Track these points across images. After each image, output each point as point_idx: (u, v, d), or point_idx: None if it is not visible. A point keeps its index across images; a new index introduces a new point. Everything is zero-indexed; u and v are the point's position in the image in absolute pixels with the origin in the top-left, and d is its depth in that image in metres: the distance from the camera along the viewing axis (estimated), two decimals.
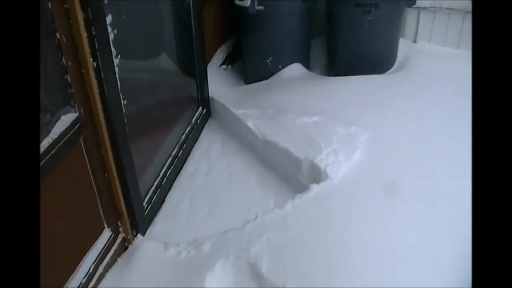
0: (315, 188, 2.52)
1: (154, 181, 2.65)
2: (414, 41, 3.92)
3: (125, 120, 2.08)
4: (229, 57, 3.75)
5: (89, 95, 1.84)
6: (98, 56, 1.77)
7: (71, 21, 1.65)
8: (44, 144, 1.61)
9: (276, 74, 3.53)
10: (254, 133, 2.91)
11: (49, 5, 1.51)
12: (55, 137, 1.66)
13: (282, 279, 2.10)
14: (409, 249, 2.16)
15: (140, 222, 2.42)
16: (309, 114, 2.97)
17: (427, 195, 2.42)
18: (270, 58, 3.47)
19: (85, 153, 1.93)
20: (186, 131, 3.01)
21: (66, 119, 1.72)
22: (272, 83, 3.48)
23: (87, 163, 1.97)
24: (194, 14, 2.75)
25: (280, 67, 3.53)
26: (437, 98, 3.20)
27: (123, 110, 2.05)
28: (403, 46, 3.81)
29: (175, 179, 2.86)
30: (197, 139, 3.18)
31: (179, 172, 2.92)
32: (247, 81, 3.63)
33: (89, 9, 1.65)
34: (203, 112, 3.24)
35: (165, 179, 2.70)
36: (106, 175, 2.12)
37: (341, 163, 2.62)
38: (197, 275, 2.23)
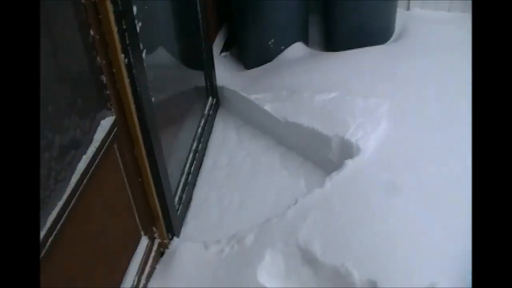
0: (350, 163, 2.43)
1: (181, 178, 2.51)
2: (408, 9, 3.87)
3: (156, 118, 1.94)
4: (226, 43, 3.59)
5: (121, 94, 1.68)
6: (129, 52, 1.61)
7: (100, 16, 1.48)
8: (89, 154, 1.46)
9: (278, 55, 3.40)
10: (274, 116, 2.79)
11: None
12: (97, 145, 1.51)
13: (338, 259, 2.02)
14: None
15: (174, 224, 2.29)
16: (325, 91, 2.88)
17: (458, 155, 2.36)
18: (272, 40, 3.34)
19: (119, 158, 1.77)
20: (201, 124, 2.87)
21: (105, 124, 1.57)
22: (277, 65, 3.35)
23: (122, 168, 1.82)
24: (199, 1, 2.59)
25: (282, 47, 3.40)
26: (441, 62, 3.16)
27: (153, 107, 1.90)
28: (398, 15, 3.74)
29: (197, 174, 2.72)
30: (211, 130, 3.04)
31: (200, 166, 2.78)
32: (248, 66, 3.48)
33: (118, 1, 1.49)
34: (214, 102, 3.10)
35: (190, 175, 2.56)
36: (140, 179, 1.97)
37: (370, 135, 2.55)
38: (247, 269, 2.12)
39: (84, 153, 1.44)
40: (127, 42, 1.59)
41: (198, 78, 2.96)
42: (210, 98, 3.10)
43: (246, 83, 3.21)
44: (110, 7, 1.48)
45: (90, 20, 1.41)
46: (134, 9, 1.65)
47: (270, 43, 3.35)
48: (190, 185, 2.55)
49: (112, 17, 1.50)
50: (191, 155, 2.64)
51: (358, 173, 2.41)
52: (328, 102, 2.80)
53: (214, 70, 3.06)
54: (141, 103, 1.75)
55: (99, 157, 1.51)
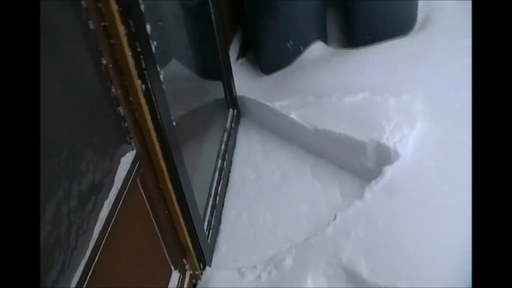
0: (390, 171, 2.24)
1: (208, 201, 2.33)
2: None
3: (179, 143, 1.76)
4: (242, 49, 3.40)
5: (141, 125, 1.51)
6: (147, 77, 1.44)
7: (112, 40, 1.31)
8: (111, 198, 1.29)
9: (298, 57, 3.20)
10: (302, 125, 2.60)
11: (91, 24, 1.17)
12: (119, 185, 1.34)
13: (389, 279, 1.83)
14: None
15: (205, 253, 2.12)
16: (353, 92, 2.67)
17: None
18: (291, 41, 3.13)
19: (142, 192, 1.60)
20: (224, 139, 2.69)
21: (126, 161, 1.40)
22: (297, 67, 3.15)
23: (147, 204, 1.65)
24: (213, 7, 2.40)
25: (301, 48, 3.19)
26: (468, 55, 2.91)
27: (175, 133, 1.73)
28: (420, 4, 3.50)
29: (225, 194, 2.54)
30: (235, 144, 2.86)
31: (227, 185, 2.60)
32: (266, 71, 3.28)
33: (131, 22, 1.32)
34: (235, 114, 2.91)
35: (217, 197, 2.38)
36: (166, 211, 1.80)
37: (407, 138, 2.34)
38: None
39: (106, 197, 1.28)
40: (143, 66, 1.42)
41: (217, 90, 2.79)
42: (231, 110, 2.92)
43: (267, 90, 3.02)
44: (122, 29, 1.31)
45: (101, 47, 1.24)
46: (148, 28, 1.48)
47: (288, 45, 3.15)
48: (218, 207, 2.38)
49: (125, 40, 1.33)
50: (216, 174, 2.46)
51: (399, 180, 2.21)
52: (358, 104, 2.60)
53: (233, 80, 2.88)
54: (163, 131, 1.57)
55: (122, 199, 1.35)
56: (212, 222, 2.25)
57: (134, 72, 1.40)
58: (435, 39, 3.13)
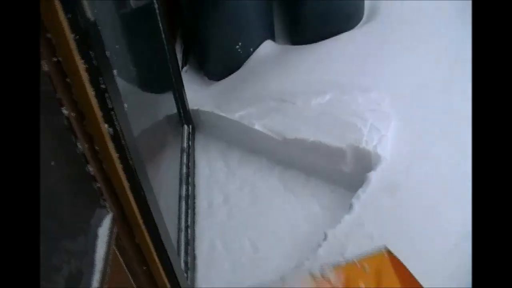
0: (374, 176, 2.07)
1: (179, 237, 2.03)
2: None
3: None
4: (184, 56, 3.07)
5: (112, 178, 1.18)
6: (114, 118, 1.12)
7: (68, 79, 0.98)
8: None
9: (248, 59, 2.93)
10: (268, 135, 2.36)
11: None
12: (101, 267, 1.02)
13: None
14: None
15: None
16: (317, 93, 2.47)
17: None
18: (240, 43, 2.86)
19: (119, 256, 1.28)
20: (184, 161, 2.37)
21: (103, 231, 1.07)
22: (248, 71, 2.88)
23: (123, 264, 1.33)
24: (159, 11, 2.06)
25: (251, 50, 2.93)
26: (422, 41, 2.84)
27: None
28: None
29: (194, 224, 2.25)
30: (194, 164, 2.55)
31: (194, 214, 2.30)
32: (214, 77, 2.99)
33: (91, 53, 0.99)
34: (190, 130, 2.60)
35: (188, 229, 2.09)
36: (145, 267, 1.49)
37: (387, 137, 2.19)
38: None
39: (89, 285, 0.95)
40: (110, 106, 1.09)
41: (168, 105, 2.46)
42: (186, 126, 2.59)
43: (220, 98, 2.74)
44: (80, 63, 0.98)
45: (58, 91, 0.90)
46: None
47: (237, 47, 2.87)
48: (191, 242, 2.08)
49: (85, 76, 1.00)
50: (183, 203, 2.16)
51: (386, 186, 2.05)
52: (325, 105, 2.40)
53: (185, 92, 2.55)
54: (137, 180, 1.26)
55: (106, 280, 1.03)
56: (189, 261, 1.96)
57: (99, 114, 1.08)
58: (384, 30, 3.01)
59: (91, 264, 0.99)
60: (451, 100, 2.38)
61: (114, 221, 1.14)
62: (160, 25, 2.12)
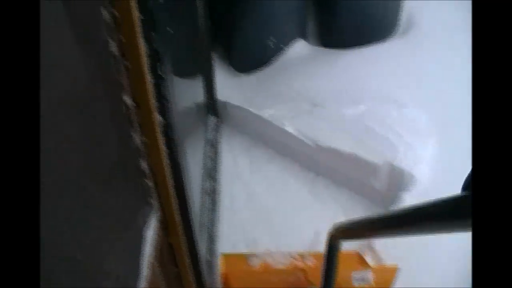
0: (408, 198, 1.94)
1: (202, 235, 1.91)
2: None
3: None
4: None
5: (156, 172, 1.06)
6: (166, 108, 1.01)
7: (128, 63, 0.86)
8: None
9: (279, 56, 2.80)
10: (299, 139, 2.23)
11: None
12: (145, 271, 0.91)
13: None
14: None
15: None
16: (351, 102, 2.34)
17: None
18: (271, 38, 2.72)
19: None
20: (209, 153, 2.25)
21: (149, 232, 0.96)
22: (279, 68, 2.75)
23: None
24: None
25: (283, 46, 2.80)
26: (462, 57, 2.70)
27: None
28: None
29: (218, 221, 2.13)
30: (219, 158, 2.43)
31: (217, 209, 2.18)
32: (241, 69, 2.85)
33: (153, 35, 0.88)
34: (216, 122, 2.47)
35: (213, 227, 1.97)
36: (174, 267, 1.38)
37: (422, 159, 2.06)
38: None
39: None
40: (164, 95, 0.98)
41: (196, 92, 2.32)
42: (212, 117, 2.47)
43: (250, 93, 2.60)
44: (142, 47, 0.87)
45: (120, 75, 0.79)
46: None
47: (269, 42, 2.74)
48: (213, 240, 1.96)
49: (145, 62, 0.89)
50: (207, 199, 2.03)
51: None
52: (359, 116, 2.27)
53: (215, 82, 2.42)
54: (182, 180, 1.15)
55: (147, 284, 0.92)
56: (211, 261, 1.84)
57: (153, 104, 0.96)
58: (422, 43, 2.87)
59: (137, 269, 0.88)
60: None
61: (159, 221, 1.02)
62: (198, 8, 1.97)
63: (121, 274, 0.78)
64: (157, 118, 0.99)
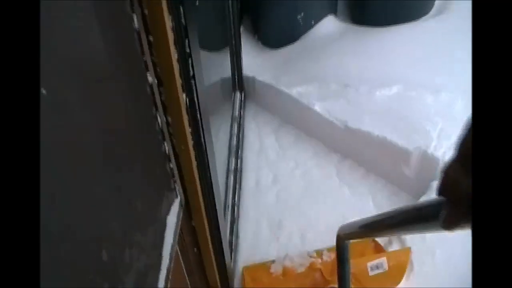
0: None
1: (225, 215, 1.86)
2: None
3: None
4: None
5: (181, 155, 1.00)
6: (194, 87, 0.93)
7: (151, 37, 0.79)
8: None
9: (308, 32, 2.68)
10: (328, 120, 2.14)
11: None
12: (167, 262, 0.86)
13: None
14: None
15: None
16: (383, 84, 2.23)
17: None
18: (302, 14, 2.60)
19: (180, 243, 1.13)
20: (235, 130, 2.17)
21: (172, 219, 0.91)
22: (308, 45, 2.63)
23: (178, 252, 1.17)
24: None
25: (312, 22, 2.68)
26: None
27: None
28: None
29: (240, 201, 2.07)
30: (244, 136, 2.36)
31: (240, 189, 2.12)
32: (269, 44, 2.74)
33: (181, 9, 0.80)
34: (242, 98, 2.39)
35: (235, 208, 1.92)
36: (195, 249, 1.34)
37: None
38: None
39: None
40: (192, 74, 0.91)
41: (223, 67, 2.22)
42: (238, 93, 2.38)
43: (278, 69, 2.50)
44: (168, 20, 0.79)
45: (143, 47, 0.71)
46: None
47: (299, 17, 2.62)
48: (236, 221, 1.91)
49: (171, 36, 0.81)
50: (231, 177, 1.97)
51: None
52: (391, 99, 2.16)
53: (242, 57, 2.32)
54: (207, 161, 1.09)
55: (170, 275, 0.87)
56: (233, 242, 1.80)
57: (179, 82, 0.89)
58: (458, 23, 2.69)
59: (159, 260, 0.83)
60: None
61: (181, 206, 0.96)
62: None
63: (142, 265, 0.73)
64: (183, 97, 0.92)
